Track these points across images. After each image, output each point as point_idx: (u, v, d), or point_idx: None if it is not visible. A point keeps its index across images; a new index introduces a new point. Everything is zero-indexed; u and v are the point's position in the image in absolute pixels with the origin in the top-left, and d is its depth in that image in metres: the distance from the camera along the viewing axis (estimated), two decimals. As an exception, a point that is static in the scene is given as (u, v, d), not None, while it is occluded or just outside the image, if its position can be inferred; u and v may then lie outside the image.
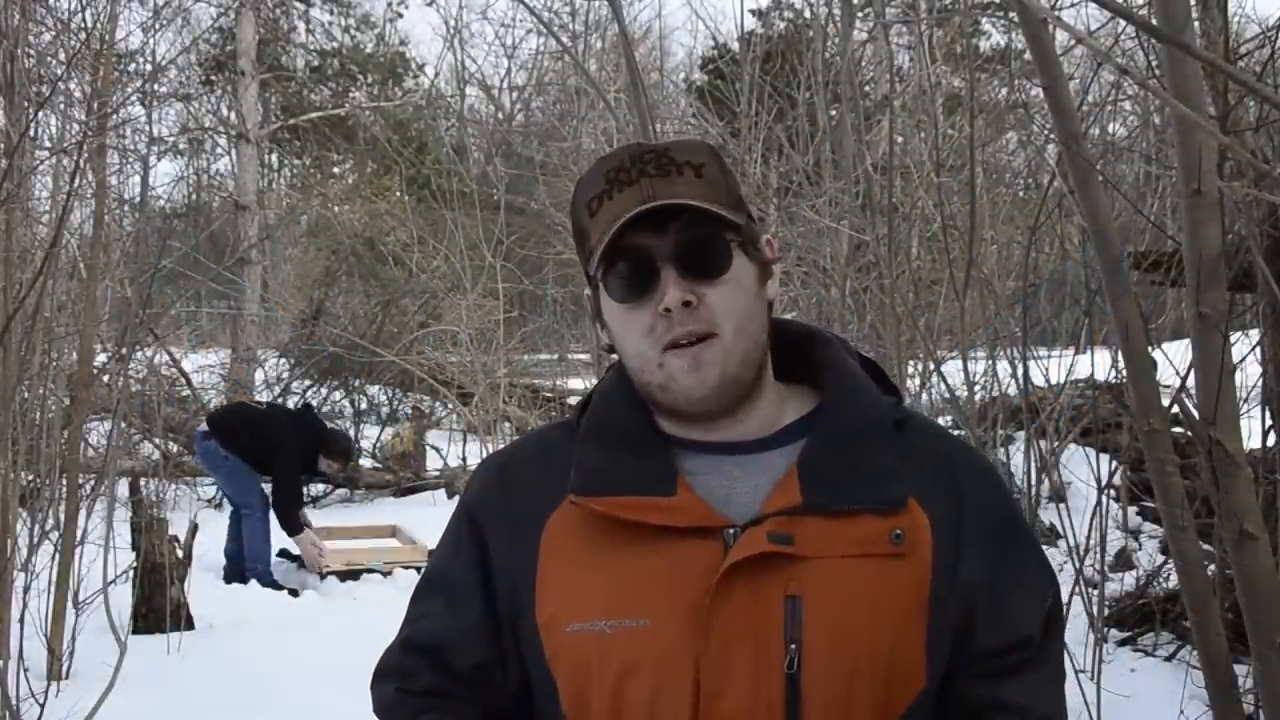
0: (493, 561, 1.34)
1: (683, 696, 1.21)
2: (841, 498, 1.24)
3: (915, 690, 1.25)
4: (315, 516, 8.81)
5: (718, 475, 1.29)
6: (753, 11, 18.02)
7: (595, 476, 1.28)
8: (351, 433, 12.64)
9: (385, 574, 7.85)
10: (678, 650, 1.21)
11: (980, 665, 1.28)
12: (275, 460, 7.83)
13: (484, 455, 11.66)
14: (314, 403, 12.72)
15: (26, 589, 4.98)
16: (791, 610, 1.21)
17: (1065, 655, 1.37)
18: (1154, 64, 3.88)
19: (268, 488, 7.97)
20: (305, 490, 8.90)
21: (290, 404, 12.49)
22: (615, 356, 1.35)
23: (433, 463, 11.89)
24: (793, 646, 1.21)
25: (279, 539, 8.12)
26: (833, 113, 8.96)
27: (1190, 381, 2.93)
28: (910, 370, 7.14)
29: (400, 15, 23.47)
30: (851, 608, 1.22)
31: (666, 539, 1.24)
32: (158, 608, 6.25)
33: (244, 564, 7.75)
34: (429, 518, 8.24)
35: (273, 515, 7.89)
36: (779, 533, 1.22)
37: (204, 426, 8.25)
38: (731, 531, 1.24)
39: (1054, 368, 5.97)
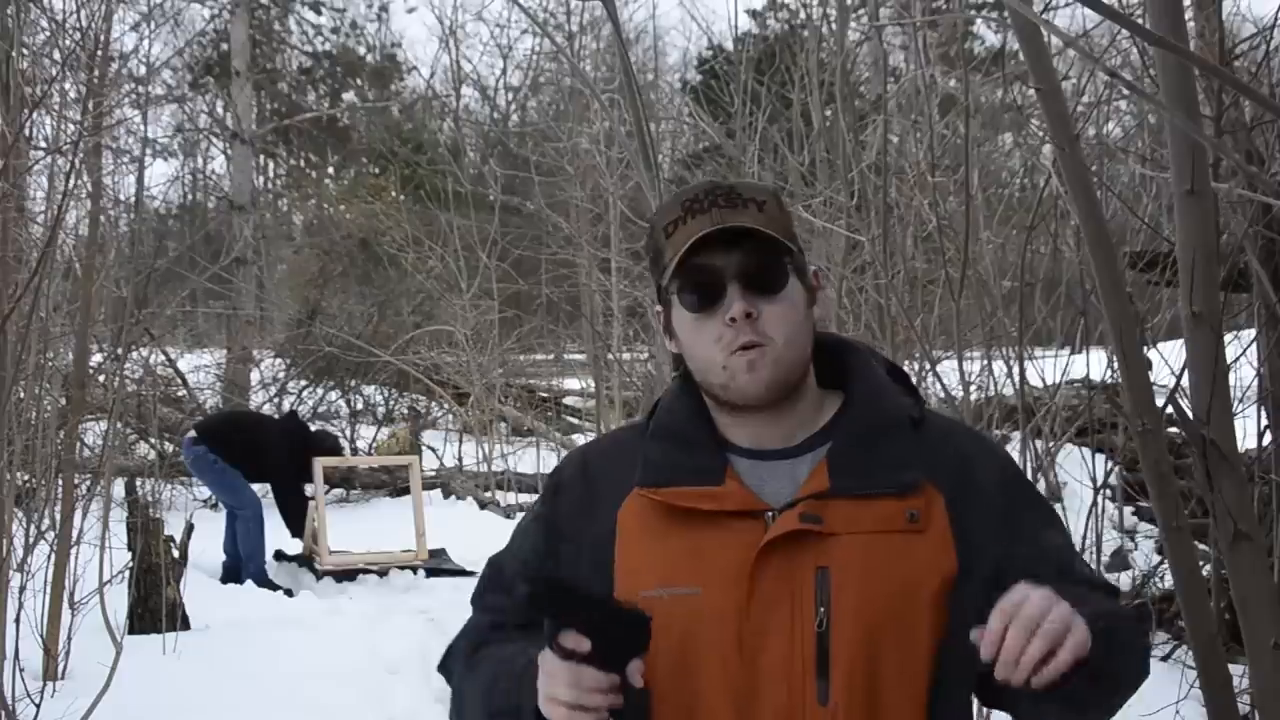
0: (565, 539, 1.57)
1: (730, 652, 1.44)
2: (864, 484, 1.48)
3: (934, 640, 1.45)
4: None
5: (760, 471, 1.52)
6: (748, 11, 18.02)
7: (658, 471, 1.53)
8: (347, 432, 12.65)
9: (381, 575, 7.85)
10: (725, 613, 1.45)
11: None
12: (269, 470, 8.05)
13: (480, 455, 11.65)
14: (309, 402, 12.71)
15: (22, 589, 4.97)
16: (821, 579, 1.44)
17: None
18: (1148, 64, 3.88)
19: (256, 487, 8.02)
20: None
21: (286, 404, 12.52)
22: (668, 373, 1.48)
23: (429, 463, 11.88)
24: (822, 610, 1.44)
25: (275, 539, 8.13)
26: (827, 113, 8.97)
27: (1185, 381, 2.93)
28: (906, 371, 7.13)
29: (384, 13, 23.44)
30: (872, 576, 1.44)
31: (716, 521, 1.48)
32: (154, 608, 6.24)
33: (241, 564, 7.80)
34: (426, 516, 8.26)
35: (268, 516, 7.92)
36: (810, 513, 1.45)
37: (193, 433, 8.30)
38: (770, 514, 1.47)
39: (1050, 368, 5.98)
